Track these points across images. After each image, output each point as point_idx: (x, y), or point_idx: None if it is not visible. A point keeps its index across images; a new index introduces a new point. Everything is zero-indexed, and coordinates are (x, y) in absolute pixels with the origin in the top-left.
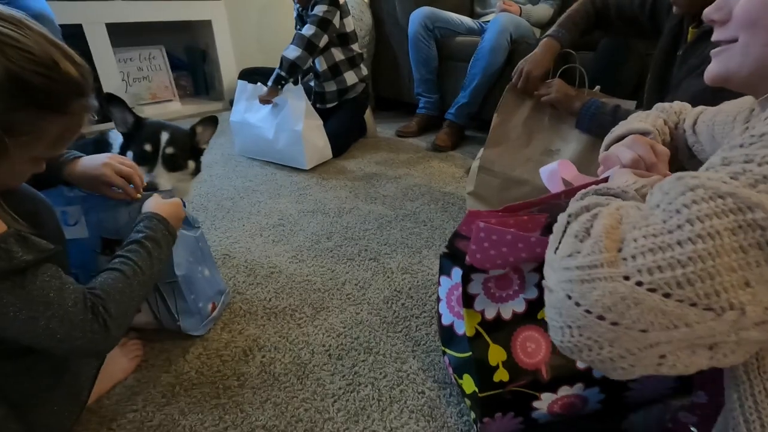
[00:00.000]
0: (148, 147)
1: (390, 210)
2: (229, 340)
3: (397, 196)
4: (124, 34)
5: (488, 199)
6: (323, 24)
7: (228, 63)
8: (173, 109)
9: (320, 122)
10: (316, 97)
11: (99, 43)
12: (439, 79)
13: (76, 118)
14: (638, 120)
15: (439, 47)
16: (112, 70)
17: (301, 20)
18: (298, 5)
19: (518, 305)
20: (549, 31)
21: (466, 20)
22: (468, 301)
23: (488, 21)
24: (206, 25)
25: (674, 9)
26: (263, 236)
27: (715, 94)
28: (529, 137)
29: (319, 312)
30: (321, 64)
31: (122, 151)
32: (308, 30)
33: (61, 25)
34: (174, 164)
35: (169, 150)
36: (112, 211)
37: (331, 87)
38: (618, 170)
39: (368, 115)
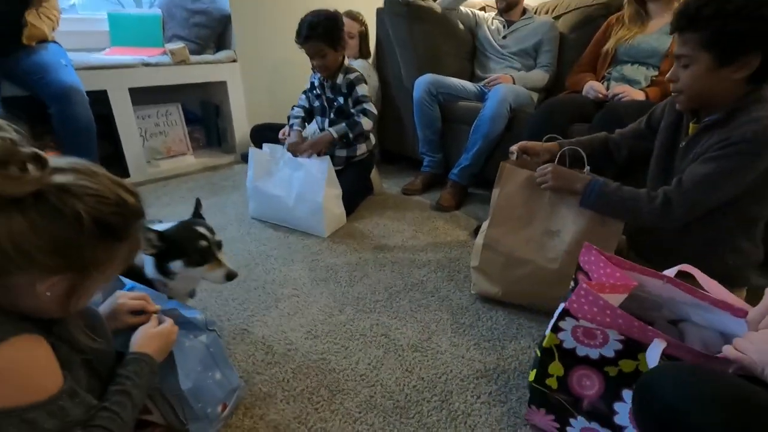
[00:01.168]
0: (203, 243)
1: (399, 278)
2: (251, 426)
3: (404, 263)
4: (143, 94)
5: (493, 276)
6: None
7: (240, 118)
8: (187, 163)
9: (340, 191)
10: None
11: (121, 105)
12: (442, 139)
13: (137, 238)
14: None
15: (442, 110)
16: (131, 128)
17: (325, 89)
18: (319, 75)
19: (593, 354)
20: (560, 142)
21: (468, 85)
22: (555, 329)
23: (488, 82)
24: (221, 84)
25: (677, 106)
26: (278, 308)
27: (718, 180)
28: (530, 218)
29: (335, 395)
30: None
31: (162, 271)
32: (371, 107)
33: (87, 92)
34: (221, 247)
35: (218, 237)
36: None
37: (341, 153)
38: None
39: (374, 174)
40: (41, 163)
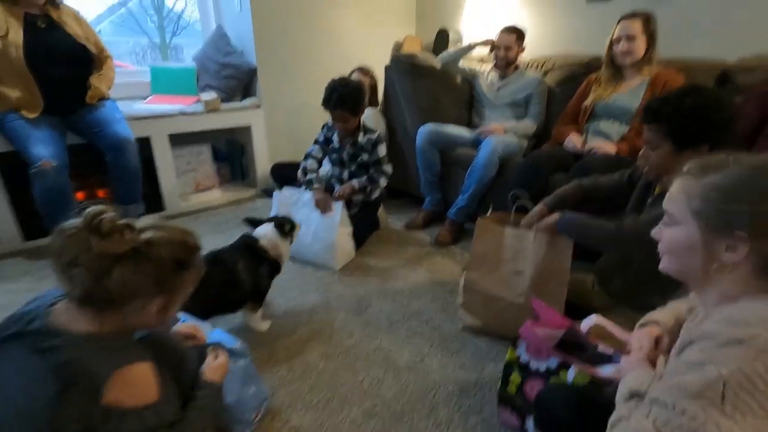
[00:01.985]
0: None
1: (399, 308)
2: (278, 429)
3: (405, 294)
4: (178, 136)
5: (475, 311)
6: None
7: (262, 157)
8: (214, 197)
9: (351, 229)
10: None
11: (161, 149)
12: (441, 181)
13: (200, 264)
14: (661, 311)
15: (442, 156)
16: (169, 168)
17: (344, 145)
18: (335, 131)
19: (541, 367)
20: (545, 201)
21: (465, 132)
22: (514, 347)
23: (482, 132)
24: (246, 127)
25: (644, 177)
26: (297, 333)
27: None
28: (499, 262)
29: (344, 405)
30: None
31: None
32: (389, 167)
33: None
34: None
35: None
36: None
37: (358, 198)
38: (629, 364)
39: (381, 211)
40: (132, 228)
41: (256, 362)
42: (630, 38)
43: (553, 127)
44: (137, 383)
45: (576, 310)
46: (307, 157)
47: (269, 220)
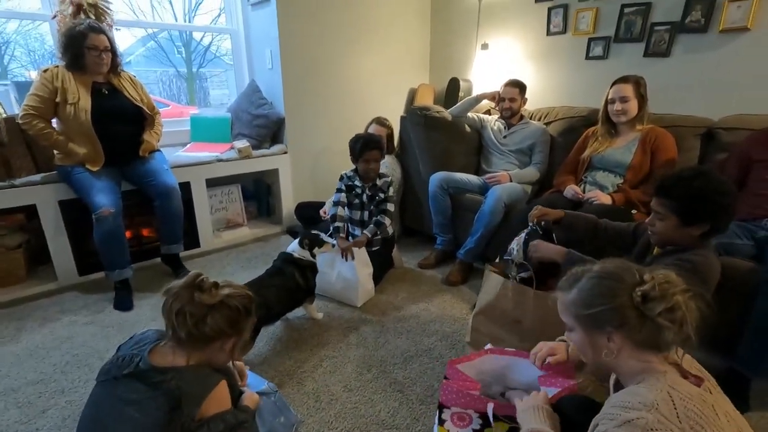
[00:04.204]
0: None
1: (412, 345)
2: None
3: (417, 331)
4: (213, 179)
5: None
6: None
7: (287, 196)
8: (243, 234)
9: (371, 269)
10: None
11: (199, 192)
12: (452, 223)
13: (254, 315)
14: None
15: (452, 200)
16: (205, 209)
17: (365, 189)
18: (356, 177)
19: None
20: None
21: (473, 179)
22: (441, 422)
23: (489, 179)
24: (274, 170)
25: (651, 239)
26: (323, 366)
27: None
28: (503, 309)
29: None
30: None
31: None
32: (391, 206)
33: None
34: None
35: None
36: None
37: (378, 236)
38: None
39: (395, 252)
40: (217, 287)
41: (287, 392)
42: (623, 99)
43: (555, 175)
44: (221, 396)
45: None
46: (335, 204)
47: (301, 234)
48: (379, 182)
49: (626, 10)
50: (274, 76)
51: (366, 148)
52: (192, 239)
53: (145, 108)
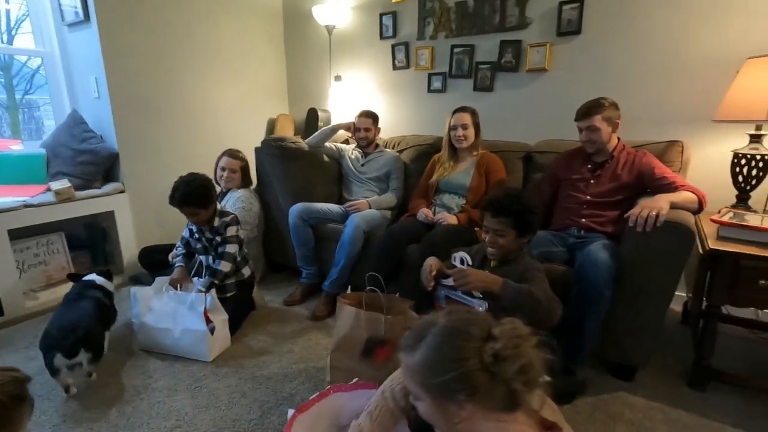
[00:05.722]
0: None
1: (272, 394)
2: None
3: (278, 378)
4: (23, 228)
5: None
6: (239, 240)
7: (128, 241)
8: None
9: (226, 316)
10: (217, 289)
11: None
12: (317, 254)
13: (31, 397)
14: None
15: (314, 231)
16: (8, 266)
17: (200, 234)
18: (191, 223)
19: None
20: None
21: (334, 208)
22: None
23: (349, 207)
24: (109, 213)
25: (490, 254)
26: None
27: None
28: (358, 340)
29: None
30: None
31: None
32: (232, 248)
33: None
34: None
35: None
36: None
37: (231, 281)
38: None
39: (256, 291)
40: None
41: None
42: (464, 127)
43: (410, 201)
44: None
45: None
46: (182, 239)
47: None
48: (216, 222)
49: (456, 50)
50: (102, 107)
51: (172, 202)
52: None
53: None
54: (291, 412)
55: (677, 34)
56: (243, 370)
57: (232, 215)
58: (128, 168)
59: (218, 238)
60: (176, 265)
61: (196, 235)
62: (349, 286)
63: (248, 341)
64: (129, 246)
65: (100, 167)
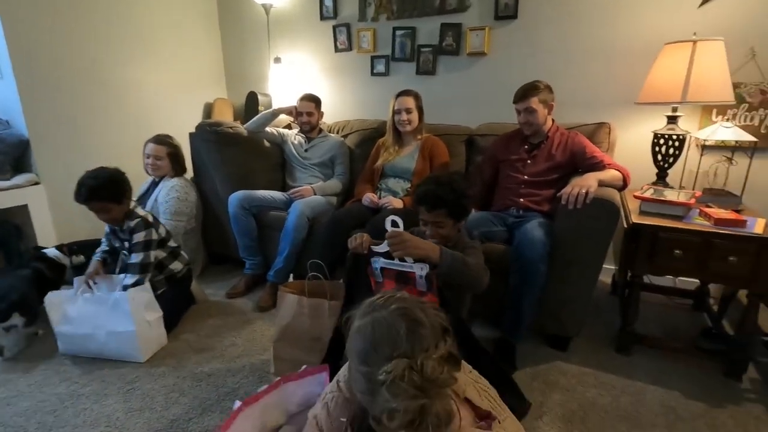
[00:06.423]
0: None
1: (213, 390)
2: None
3: (220, 373)
4: None
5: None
6: (147, 246)
7: (47, 237)
8: None
9: (160, 313)
10: None
11: None
12: (259, 244)
13: None
14: None
15: (257, 219)
16: None
17: (114, 234)
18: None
19: None
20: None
21: (277, 195)
22: None
23: (292, 193)
24: (22, 207)
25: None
26: None
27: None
28: (301, 329)
29: None
30: None
31: None
32: (137, 257)
33: None
34: None
35: None
36: None
37: (159, 277)
38: None
39: (194, 285)
40: None
41: None
42: (408, 111)
43: (355, 186)
44: None
45: None
46: (104, 237)
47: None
48: (131, 223)
49: (398, 32)
50: (6, 88)
51: (78, 199)
52: None
53: None
54: (238, 403)
55: (603, 21)
56: (181, 368)
57: (138, 220)
58: (42, 157)
59: (127, 244)
60: (94, 258)
61: (110, 236)
62: (292, 275)
63: (187, 337)
64: (48, 242)
65: (7, 156)
